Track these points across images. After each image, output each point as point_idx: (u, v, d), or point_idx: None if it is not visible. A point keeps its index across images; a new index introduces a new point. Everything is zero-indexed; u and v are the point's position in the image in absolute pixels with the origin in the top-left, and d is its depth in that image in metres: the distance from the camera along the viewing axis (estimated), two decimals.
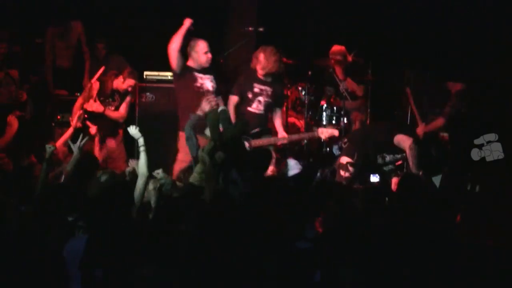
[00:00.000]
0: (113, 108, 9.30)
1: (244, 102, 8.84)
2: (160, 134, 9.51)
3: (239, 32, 10.41)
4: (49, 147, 6.88)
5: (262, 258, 5.11)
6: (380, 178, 8.21)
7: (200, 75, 8.62)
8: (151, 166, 7.40)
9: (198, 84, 8.60)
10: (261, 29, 10.19)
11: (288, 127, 9.96)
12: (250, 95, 8.84)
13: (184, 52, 8.64)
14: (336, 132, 9.26)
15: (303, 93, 10.21)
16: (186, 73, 8.59)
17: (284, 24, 10.79)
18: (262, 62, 8.81)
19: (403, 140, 8.36)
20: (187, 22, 8.56)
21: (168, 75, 9.65)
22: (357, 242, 5.32)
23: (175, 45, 8.53)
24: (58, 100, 10.14)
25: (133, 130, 6.99)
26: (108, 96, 9.27)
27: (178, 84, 8.71)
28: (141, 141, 6.88)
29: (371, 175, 8.24)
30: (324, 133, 9.20)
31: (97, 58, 10.48)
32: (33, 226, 5.49)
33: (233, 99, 8.86)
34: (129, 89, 9.31)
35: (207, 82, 8.62)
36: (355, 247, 5.28)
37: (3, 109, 9.31)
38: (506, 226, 5.87)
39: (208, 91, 8.56)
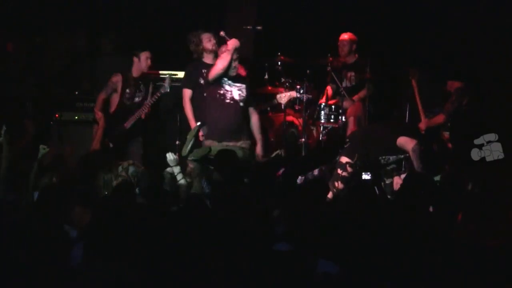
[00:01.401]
0: (140, 99, 9.23)
1: (199, 90, 8.89)
2: (160, 131, 9.54)
3: (238, 30, 10.40)
4: (43, 148, 6.87)
5: (238, 263, 5.11)
6: (375, 177, 8.22)
7: (229, 82, 8.59)
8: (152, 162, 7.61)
9: (222, 91, 8.56)
10: (259, 28, 10.20)
11: (286, 126, 10.02)
12: (202, 81, 8.88)
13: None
14: (294, 93, 9.69)
15: (301, 91, 10.22)
16: (216, 81, 8.60)
17: (283, 23, 10.78)
18: (208, 47, 8.96)
19: (406, 143, 8.38)
20: (235, 43, 8.52)
21: (167, 73, 9.64)
22: (351, 241, 5.34)
23: (224, 63, 8.45)
24: (56, 99, 10.13)
25: (171, 157, 7.23)
26: (132, 87, 9.22)
27: (208, 91, 8.68)
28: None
29: (363, 173, 8.26)
30: (283, 98, 9.60)
31: (102, 54, 10.48)
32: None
33: (186, 92, 8.91)
34: (149, 62, 9.21)
35: (234, 91, 8.58)
36: (348, 246, 5.29)
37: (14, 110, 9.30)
38: (506, 226, 5.87)
39: (234, 99, 8.55)
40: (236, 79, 8.57)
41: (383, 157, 8.53)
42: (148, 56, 9.21)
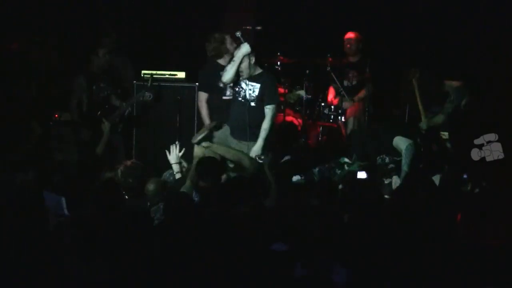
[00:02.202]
0: (108, 93, 9.30)
1: (216, 93, 8.85)
2: (158, 131, 9.55)
3: (237, 31, 10.39)
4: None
5: (237, 263, 5.11)
6: (371, 176, 8.23)
7: (246, 80, 8.44)
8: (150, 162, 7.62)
9: (237, 89, 8.47)
10: (258, 28, 10.21)
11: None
12: (221, 85, 8.86)
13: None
14: (302, 92, 9.92)
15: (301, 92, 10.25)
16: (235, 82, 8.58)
17: (282, 23, 10.79)
18: (230, 49, 8.80)
19: (401, 142, 8.40)
20: (245, 50, 8.32)
21: (166, 73, 9.65)
22: (350, 241, 5.35)
23: (228, 76, 8.37)
24: (56, 99, 10.13)
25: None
26: (98, 83, 9.28)
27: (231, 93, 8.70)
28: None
29: (358, 172, 8.26)
30: (292, 97, 9.83)
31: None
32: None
33: (202, 95, 8.86)
34: (107, 57, 9.28)
35: (247, 90, 8.42)
36: (347, 246, 5.31)
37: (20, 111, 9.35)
38: (506, 226, 5.88)
39: (245, 98, 8.46)
40: (252, 78, 8.51)
41: (380, 156, 8.55)
42: (105, 52, 9.27)
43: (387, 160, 8.57)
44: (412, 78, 9.08)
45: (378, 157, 8.57)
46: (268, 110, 8.37)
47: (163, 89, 9.58)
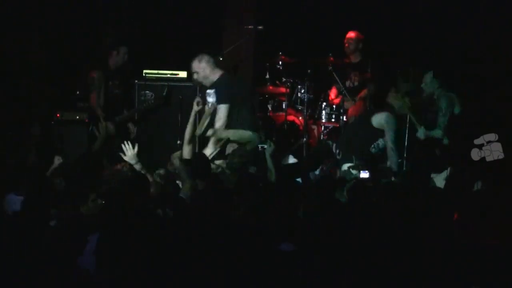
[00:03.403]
0: (122, 91, 9.41)
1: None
2: (159, 131, 9.56)
3: (238, 30, 10.42)
4: (58, 159, 6.95)
5: (244, 262, 5.11)
6: (373, 176, 8.24)
7: (207, 91, 8.55)
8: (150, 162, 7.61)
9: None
10: (260, 27, 10.23)
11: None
12: None
13: None
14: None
15: (302, 91, 10.24)
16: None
17: (284, 23, 10.79)
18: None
19: (379, 118, 8.44)
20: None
21: (168, 73, 9.66)
22: (350, 240, 5.35)
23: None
24: (56, 99, 10.13)
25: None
26: (114, 79, 9.37)
27: None
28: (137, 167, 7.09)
29: (361, 171, 8.26)
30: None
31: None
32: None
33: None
34: (126, 57, 9.41)
35: (209, 98, 8.51)
36: (346, 246, 5.30)
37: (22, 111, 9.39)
38: (506, 226, 5.87)
39: (212, 105, 8.47)
40: (212, 85, 8.51)
41: (373, 145, 8.58)
42: (125, 52, 9.35)
43: (380, 144, 8.61)
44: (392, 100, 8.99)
45: (372, 147, 8.60)
46: (218, 110, 8.32)
47: (163, 89, 9.60)
